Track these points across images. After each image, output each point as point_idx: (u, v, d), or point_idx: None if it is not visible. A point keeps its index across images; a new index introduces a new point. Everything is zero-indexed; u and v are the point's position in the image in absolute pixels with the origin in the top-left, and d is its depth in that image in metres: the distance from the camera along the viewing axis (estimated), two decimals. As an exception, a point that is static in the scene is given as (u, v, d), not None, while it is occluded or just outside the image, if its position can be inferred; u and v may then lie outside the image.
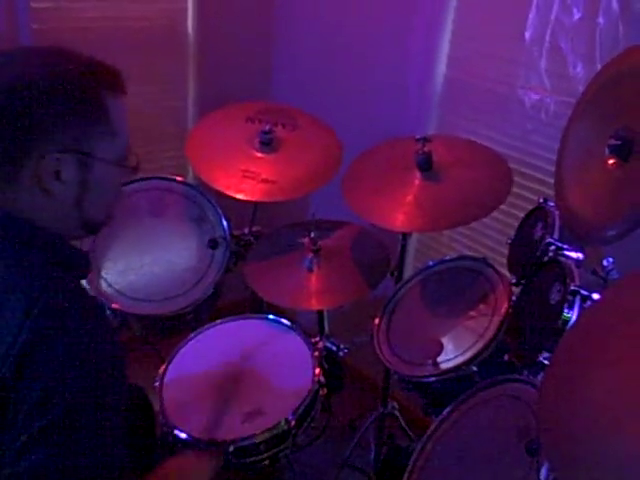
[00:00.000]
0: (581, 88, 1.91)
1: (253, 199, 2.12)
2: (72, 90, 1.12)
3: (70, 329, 1.07)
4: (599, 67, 1.87)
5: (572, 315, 1.36)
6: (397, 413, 2.36)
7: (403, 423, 2.35)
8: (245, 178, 2.11)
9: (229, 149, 2.20)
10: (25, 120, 1.10)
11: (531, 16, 2.10)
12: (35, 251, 1.14)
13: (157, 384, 1.78)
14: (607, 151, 1.34)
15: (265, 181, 2.11)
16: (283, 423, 1.63)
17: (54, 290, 1.10)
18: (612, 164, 1.34)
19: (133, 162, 1.27)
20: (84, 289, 1.22)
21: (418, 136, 1.95)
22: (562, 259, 1.50)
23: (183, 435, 1.62)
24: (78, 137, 1.14)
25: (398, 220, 1.89)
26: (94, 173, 1.17)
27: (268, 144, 2.19)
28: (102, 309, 1.21)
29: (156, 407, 1.72)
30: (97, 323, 1.14)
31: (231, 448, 1.59)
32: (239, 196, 2.08)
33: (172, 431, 1.64)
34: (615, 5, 1.89)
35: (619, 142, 1.31)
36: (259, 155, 2.18)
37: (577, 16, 2.00)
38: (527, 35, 2.13)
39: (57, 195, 1.15)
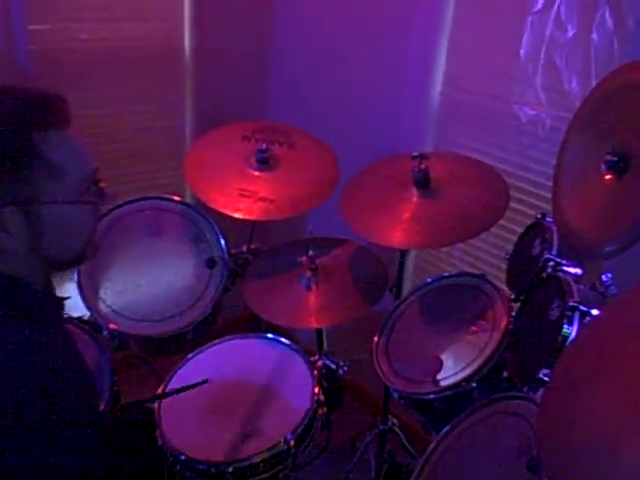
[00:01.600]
0: (577, 103, 1.92)
1: (250, 218, 2.12)
2: None
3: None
4: (594, 82, 1.89)
5: (571, 331, 1.35)
6: (397, 430, 2.35)
7: (404, 440, 2.33)
8: (242, 197, 2.11)
9: (226, 168, 2.20)
10: None
11: (526, 33, 2.12)
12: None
13: (155, 405, 1.77)
14: (604, 167, 1.35)
15: (262, 200, 2.10)
16: (282, 443, 1.62)
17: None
18: (609, 180, 1.35)
19: (99, 196, 1.20)
20: (47, 332, 1.15)
21: (415, 153, 1.95)
22: (561, 275, 1.50)
23: (182, 456, 1.61)
24: (16, 187, 1.09)
25: (396, 237, 1.88)
26: (44, 217, 1.12)
27: (265, 162, 2.19)
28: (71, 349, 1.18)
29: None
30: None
31: (230, 469, 1.57)
32: (236, 215, 2.08)
33: (171, 452, 1.62)
34: (609, 21, 1.90)
35: (615, 158, 1.32)
36: (256, 174, 2.19)
37: (571, 32, 2.01)
38: (522, 52, 2.14)
39: (8, 247, 1.12)
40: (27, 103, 1.11)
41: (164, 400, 1.78)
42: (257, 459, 1.59)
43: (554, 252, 1.61)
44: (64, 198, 1.13)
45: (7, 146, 1.07)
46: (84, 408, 1.15)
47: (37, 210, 1.11)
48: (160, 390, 1.80)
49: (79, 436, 1.12)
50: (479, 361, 1.69)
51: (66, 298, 1.26)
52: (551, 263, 1.56)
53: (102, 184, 1.22)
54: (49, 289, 1.26)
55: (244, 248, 2.27)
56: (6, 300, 1.11)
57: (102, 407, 1.76)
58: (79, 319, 1.98)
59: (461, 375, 1.70)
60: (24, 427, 1.03)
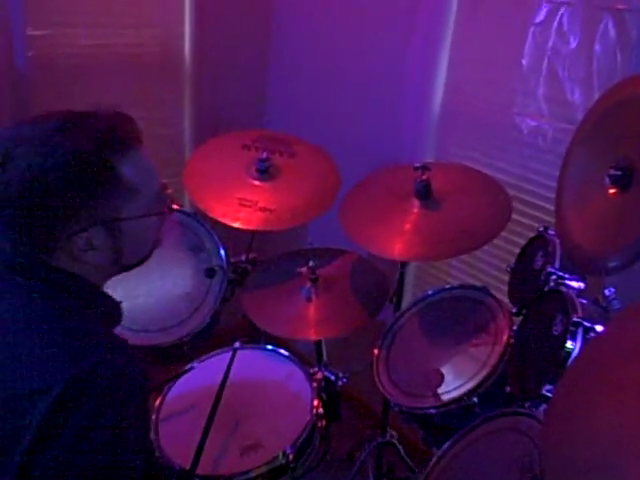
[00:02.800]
0: (579, 115, 1.92)
1: (250, 228, 2.11)
2: (82, 171, 1.11)
3: (100, 397, 1.08)
4: (597, 94, 1.88)
5: (575, 347, 1.34)
6: (396, 442, 2.33)
7: (403, 453, 2.31)
8: (242, 206, 2.10)
9: (226, 177, 2.19)
10: (43, 212, 1.11)
11: (528, 44, 2.11)
12: (74, 300, 1.18)
13: (153, 416, 1.75)
14: (607, 181, 1.34)
15: (262, 209, 2.09)
16: (281, 456, 1.60)
17: (90, 353, 1.11)
18: (613, 194, 1.34)
19: (167, 202, 1.29)
20: (118, 340, 1.22)
21: (417, 164, 1.94)
22: (563, 289, 1.49)
23: (178, 469, 1.59)
24: (99, 210, 1.15)
25: (396, 249, 1.87)
26: (126, 232, 1.19)
27: (265, 172, 2.17)
28: (133, 357, 1.20)
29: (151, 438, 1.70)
30: (129, 390, 1.14)
31: None
32: (236, 225, 2.06)
33: (167, 465, 1.61)
34: (612, 32, 1.90)
35: (619, 172, 1.31)
36: (256, 183, 2.17)
37: (574, 44, 2.00)
38: (524, 62, 2.14)
39: (95, 261, 1.18)
40: (105, 126, 1.16)
41: (161, 413, 1.76)
42: (256, 473, 1.58)
43: (556, 265, 1.59)
44: (141, 213, 1.20)
45: (91, 171, 1.12)
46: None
47: (118, 227, 1.18)
48: (157, 402, 1.79)
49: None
50: (480, 375, 1.68)
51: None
52: (553, 277, 1.55)
53: (168, 191, 1.30)
54: None
55: (243, 258, 2.26)
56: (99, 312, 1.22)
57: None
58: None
59: (462, 389, 1.68)
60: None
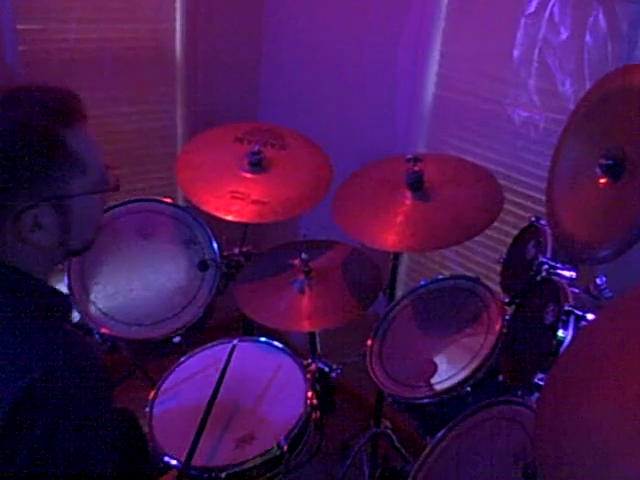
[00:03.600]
0: (570, 105, 1.93)
1: (243, 220, 2.10)
2: (31, 142, 1.08)
3: (64, 392, 1.06)
4: (588, 84, 1.89)
5: (567, 335, 1.34)
6: (390, 432, 2.34)
7: (396, 443, 2.33)
8: (234, 199, 2.09)
9: (218, 170, 2.19)
10: None
11: (519, 35, 2.11)
12: (23, 299, 1.13)
13: (147, 409, 1.75)
14: (598, 171, 1.34)
15: (255, 202, 2.09)
16: (275, 448, 1.61)
17: (48, 352, 1.08)
18: (604, 183, 1.34)
19: (112, 181, 1.23)
20: (70, 333, 1.18)
21: (409, 156, 1.94)
22: (555, 278, 1.49)
23: (174, 462, 1.59)
24: (47, 185, 1.11)
25: (389, 240, 1.87)
26: (74, 210, 1.15)
27: (257, 165, 2.17)
28: (89, 349, 1.18)
29: (145, 431, 1.70)
30: (88, 381, 1.11)
31: (223, 474, 1.56)
32: (229, 218, 2.06)
33: (162, 457, 1.61)
34: (603, 23, 1.90)
35: (610, 162, 1.31)
36: (248, 176, 2.17)
37: (565, 35, 2.01)
38: (515, 54, 2.14)
39: (41, 242, 1.14)
40: (52, 99, 1.14)
41: (156, 405, 1.76)
42: (250, 464, 1.59)
43: (548, 255, 1.60)
44: (88, 190, 1.17)
45: (38, 143, 1.09)
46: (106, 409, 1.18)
47: (67, 204, 1.14)
48: (151, 395, 1.79)
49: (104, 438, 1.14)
50: (473, 365, 1.68)
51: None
52: (545, 266, 1.56)
53: (112, 170, 1.25)
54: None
55: (236, 251, 2.26)
56: (47, 308, 1.16)
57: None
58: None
59: (455, 379, 1.69)
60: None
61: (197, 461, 1.58)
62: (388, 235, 1.88)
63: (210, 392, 1.73)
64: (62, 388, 1.05)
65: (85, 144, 1.16)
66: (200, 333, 2.12)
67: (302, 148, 2.30)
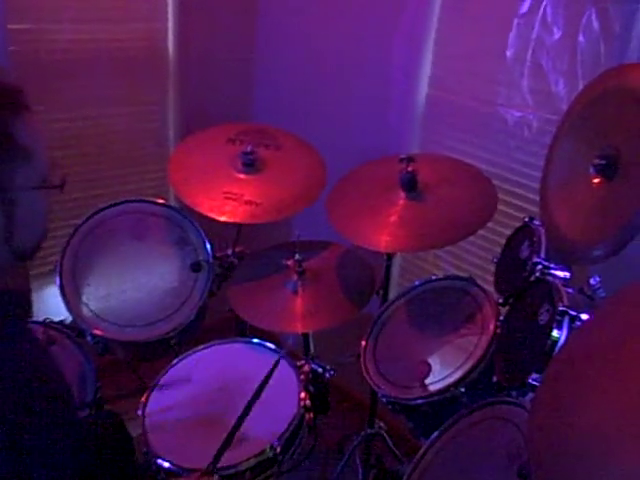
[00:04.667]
0: (563, 105, 1.93)
1: (236, 221, 2.09)
2: None
3: None
4: (581, 84, 1.89)
5: (561, 336, 1.34)
6: (384, 433, 2.33)
7: (391, 444, 2.32)
8: (228, 200, 2.08)
9: (211, 171, 2.17)
10: None
11: (512, 35, 2.12)
12: None
13: (140, 411, 1.74)
14: (592, 170, 1.34)
15: (248, 203, 2.08)
16: (268, 450, 1.60)
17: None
18: (597, 183, 1.34)
19: (57, 179, 1.19)
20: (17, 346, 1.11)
21: (402, 156, 1.93)
22: (549, 278, 1.49)
23: (166, 464, 1.58)
24: None
25: (382, 241, 1.87)
26: (18, 204, 1.11)
27: (251, 165, 2.16)
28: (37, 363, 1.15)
29: (138, 435, 1.69)
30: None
31: (216, 477, 1.55)
32: (222, 219, 2.04)
33: (155, 460, 1.60)
34: (595, 23, 1.90)
35: (604, 162, 1.31)
36: (242, 177, 2.16)
37: (558, 35, 2.01)
38: (508, 54, 2.14)
39: None
40: None
41: (148, 407, 1.75)
42: (243, 466, 1.58)
43: (542, 255, 1.60)
44: (34, 184, 1.13)
45: None
46: (57, 414, 1.12)
47: (12, 197, 1.10)
48: (144, 397, 1.78)
49: (54, 442, 1.09)
50: (467, 365, 1.68)
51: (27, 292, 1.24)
52: (539, 266, 1.56)
53: (59, 169, 1.20)
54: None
55: (229, 251, 2.25)
56: None
57: (86, 412, 1.74)
58: (61, 323, 1.95)
59: (449, 380, 1.69)
60: None
61: (189, 463, 1.57)
62: (381, 235, 1.87)
63: (203, 393, 1.73)
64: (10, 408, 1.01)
65: (31, 134, 1.13)
66: (193, 334, 2.11)
67: (296, 149, 2.29)
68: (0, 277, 1.16)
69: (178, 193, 2.17)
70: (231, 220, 2.07)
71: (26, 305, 1.21)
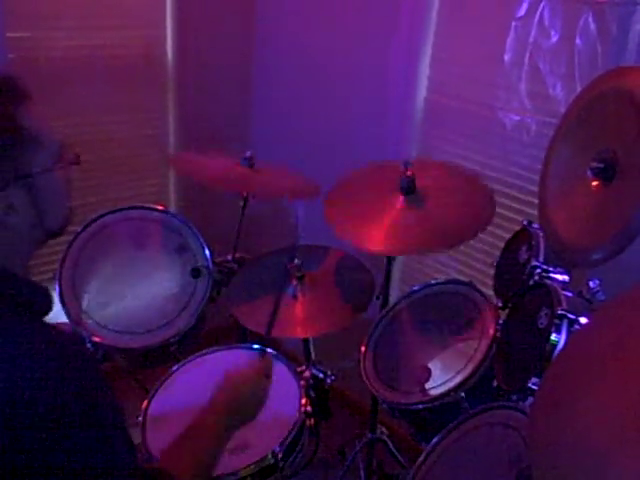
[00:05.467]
0: (561, 108, 1.93)
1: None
2: None
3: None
4: (579, 87, 1.89)
5: (560, 339, 1.34)
6: (386, 438, 2.33)
7: (392, 449, 2.31)
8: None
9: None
10: None
11: (510, 39, 2.12)
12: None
13: (140, 418, 1.74)
14: (590, 174, 1.34)
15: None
16: (270, 456, 1.60)
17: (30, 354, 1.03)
18: (595, 186, 1.34)
19: (71, 154, 1.23)
20: (49, 335, 1.10)
21: (402, 160, 1.94)
22: (548, 282, 1.49)
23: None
24: (12, 166, 1.10)
25: (382, 245, 1.87)
26: (41, 187, 1.15)
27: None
28: (78, 348, 1.14)
29: (138, 441, 1.68)
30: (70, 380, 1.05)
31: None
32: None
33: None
34: (592, 27, 1.91)
35: (601, 165, 1.31)
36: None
37: (555, 38, 2.01)
38: (506, 58, 2.14)
39: (18, 225, 1.13)
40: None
41: (149, 413, 1.75)
42: (245, 473, 1.57)
43: (541, 259, 1.60)
44: (50, 166, 1.17)
45: None
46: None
47: (34, 182, 1.14)
48: (144, 404, 1.78)
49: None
50: (467, 370, 1.68)
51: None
52: (538, 270, 1.56)
53: (70, 147, 1.24)
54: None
55: (229, 257, 2.25)
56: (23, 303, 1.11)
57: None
58: (62, 331, 1.95)
59: (450, 384, 1.68)
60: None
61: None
62: (381, 240, 1.87)
63: (204, 399, 1.72)
64: (53, 392, 1.00)
65: (37, 121, 1.16)
66: (193, 340, 2.11)
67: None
68: (22, 267, 1.18)
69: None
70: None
71: (48, 300, 1.22)
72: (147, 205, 2.21)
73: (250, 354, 1.94)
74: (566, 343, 1.32)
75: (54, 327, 1.13)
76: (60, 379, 1.02)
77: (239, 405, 1.48)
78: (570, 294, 1.45)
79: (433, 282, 2.02)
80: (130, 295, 2.07)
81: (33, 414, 0.98)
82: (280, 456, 1.61)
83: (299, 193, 2.13)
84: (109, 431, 1.07)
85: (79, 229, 2.09)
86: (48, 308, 1.19)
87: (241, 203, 2.26)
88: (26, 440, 0.98)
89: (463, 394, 1.65)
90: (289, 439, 1.64)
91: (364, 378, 1.87)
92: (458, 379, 1.68)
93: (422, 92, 2.49)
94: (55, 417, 1.00)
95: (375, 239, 1.89)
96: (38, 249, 1.23)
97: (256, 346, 1.96)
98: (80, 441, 1.02)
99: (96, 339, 1.96)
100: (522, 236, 1.78)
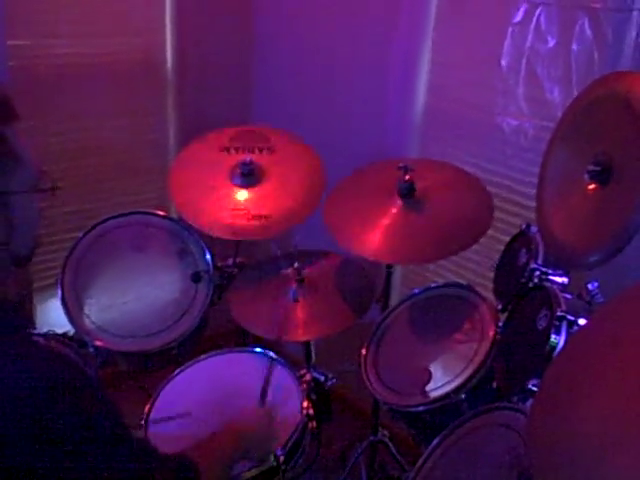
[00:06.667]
0: (559, 112, 1.94)
1: (249, 238, 2.10)
2: None
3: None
4: (576, 91, 1.90)
5: (559, 341, 1.35)
6: (388, 441, 2.34)
7: (394, 451, 2.32)
8: (236, 217, 2.07)
9: (213, 188, 2.15)
10: None
11: (507, 44, 2.13)
12: None
13: (142, 422, 1.75)
14: (587, 177, 1.36)
15: (257, 217, 2.08)
16: (272, 459, 1.60)
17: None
18: (592, 189, 1.36)
19: (48, 183, 1.20)
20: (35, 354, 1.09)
21: (401, 164, 1.95)
22: (547, 284, 1.50)
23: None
24: None
25: (381, 253, 1.88)
26: (17, 207, 1.13)
27: (250, 175, 2.16)
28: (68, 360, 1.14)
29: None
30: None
31: None
32: (235, 238, 2.06)
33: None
34: (588, 32, 1.92)
35: (598, 168, 1.33)
36: (243, 190, 2.15)
37: (552, 43, 2.03)
38: (504, 62, 2.16)
39: None
40: None
41: (151, 418, 1.76)
42: (246, 476, 1.58)
43: (540, 261, 1.61)
44: (27, 188, 1.15)
45: None
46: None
47: (10, 201, 1.12)
48: (147, 408, 1.79)
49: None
50: (468, 372, 1.69)
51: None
52: (537, 273, 1.57)
53: (45, 169, 1.22)
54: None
55: (230, 261, 2.25)
56: None
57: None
58: (64, 335, 1.96)
59: (450, 386, 1.69)
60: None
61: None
62: (381, 246, 1.89)
63: (206, 403, 1.73)
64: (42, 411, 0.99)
65: (21, 143, 1.15)
66: (195, 344, 2.12)
67: (288, 147, 2.27)
68: None
69: (187, 218, 2.14)
70: (244, 238, 2.08)
71: (27, 316, 1.20)
72: (148, 210, 2.22)
73: (250, 357, 1.96)
74: (565, 344, 1.33)
75: (44, 344, 1.13)
76: (49, 399, 1.01)
77: (245, 452, 1.52)
78: (569, 296, 1.46)
79: (433, 285, 2.04)
80: (132, 299, 2.08)
81: (22, 434, 0.97)
82: (282, 459, 1.61)
83: (305, 205, 2.15)
84: (109, 443, 1.07)
85: (80, 235, 2.10)
86: (24, 322, 1.20)
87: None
88: (17, 459, 0.96)
89: (464, 396, 1.66)
90: (291, 442, 1.65)
91: (365, 381, 1.88)
92: (458, 381, 1.69)
93: (421, 96, 2.50)
94: (47, 437, 0.99)
95: (374, 246, 1.90)
96: (5, 274, 1.18)
97: (258, 349, 1.97)
98: (77, 457, 1.01)
99: (98, 343, 1.97)
100: (521, 239, 1.80)
